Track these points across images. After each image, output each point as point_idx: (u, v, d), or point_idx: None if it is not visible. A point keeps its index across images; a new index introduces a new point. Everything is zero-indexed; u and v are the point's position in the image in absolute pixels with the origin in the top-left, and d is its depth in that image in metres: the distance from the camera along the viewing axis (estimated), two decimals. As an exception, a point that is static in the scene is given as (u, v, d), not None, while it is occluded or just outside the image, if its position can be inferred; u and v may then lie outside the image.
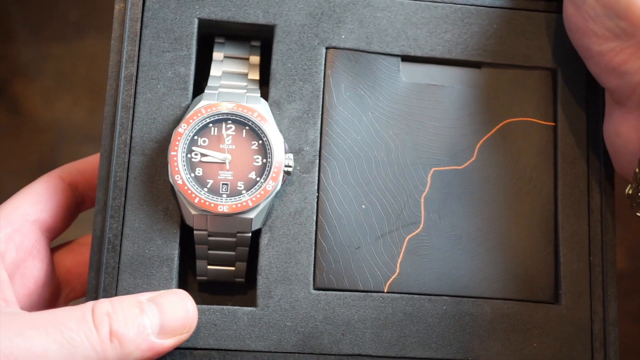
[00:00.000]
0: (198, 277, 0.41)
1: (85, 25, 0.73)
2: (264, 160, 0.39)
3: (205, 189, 0.38)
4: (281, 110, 0.41)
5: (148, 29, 0.41)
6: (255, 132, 0.39)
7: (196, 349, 0.38)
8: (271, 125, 0.39)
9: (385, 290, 0.40)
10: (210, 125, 0.39)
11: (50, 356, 0.32)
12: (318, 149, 0.41)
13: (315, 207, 0.40)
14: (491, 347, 0.40)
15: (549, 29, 0.43)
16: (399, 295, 0.40)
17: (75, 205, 0.43)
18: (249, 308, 0.39)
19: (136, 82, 0.40)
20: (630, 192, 0.40)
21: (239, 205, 0.38)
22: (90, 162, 0.43)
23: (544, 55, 0.43)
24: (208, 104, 0.39)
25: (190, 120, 0.38)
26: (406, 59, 0.42)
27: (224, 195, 0.38)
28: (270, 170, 0.38)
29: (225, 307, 0.39)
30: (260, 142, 0.39)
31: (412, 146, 0.41)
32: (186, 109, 0.40)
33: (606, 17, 0.37)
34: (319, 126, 0.41)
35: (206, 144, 0.38)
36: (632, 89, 0.38)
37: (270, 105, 0.41)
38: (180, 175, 0.38)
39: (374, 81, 0.42)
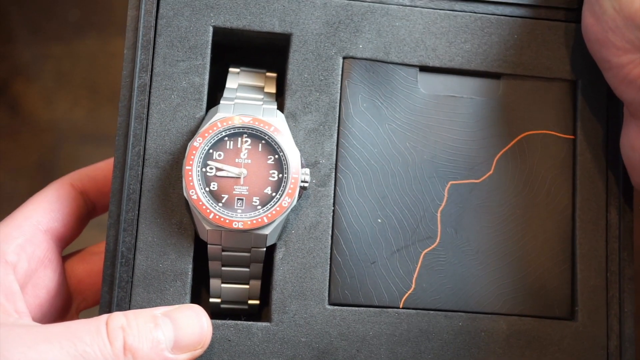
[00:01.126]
0: (211, 299, 0.40)
1: (85, 25, 0.72)
2: (280, 176, 0.38)
3: (220, 204, 0.37)
4: (297, 121, 0.40)
5: (162, 38, 0.40)
6: (272, 147, 0.38)
7: None
8: (287, 139, 0.38)
9: (401, 306, 0.39)
10: (226, 138, 0.38)
11: None
12: (334, 162, 0.40)
13: (331, 221, 0.40)
14: (508, 364, 0.39)
15: (570, 39, 0.42)
16: (414, 311, 0.39)
17: (87, 213, 0.42)
18: (264, 323, 0.38)
19: (150, 92, 0.39)
20: None
21: (255, 221, 0.37)
22: (101, 169, 0.43)
23: (564, 67, 0.42)
24: (224, 117, 0.38)
25: (206, 134, 0.37)
26: (424, 69, 0.42)
27: (239, 211, 0.37)
28: (286, 186, 0.37)
29: (239, 322, 0.38)
30: (277, 156, 0.38)
31: (430, 159, 0.41)
32: (201, 120, 0.39)
33: (626, 28, 0.37)
34: (335, 138, 0.40)
35: (222, 157, 0.38)
36: None
37: (286, 117, 0.40)
38: (195, 190, 0.37)
39: (392, 92, 0.41)
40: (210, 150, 0.37)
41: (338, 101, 0.41)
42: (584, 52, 0.41)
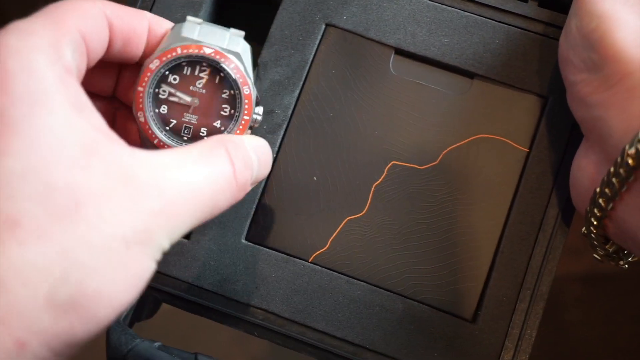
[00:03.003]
0: None
1: None
2: (232, 112, 0.37)
3: (167, 129, 0.37)
4: (266, 71, 0.43)
5: None
6: (229, 82, 0.37)
7: None
8: (249, 79, 0.37)
9: (309, 261, 0.41)
10: (184, 64, 0.37)
11: (205, 192, 0.31)
12: (289, 115, 0.43)
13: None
14: (391, 342, 0.40)
15: (551, 55, 0.42)
16: (319, 268, 0.41)
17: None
18: (182, 239, 0.42)
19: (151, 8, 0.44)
20: (585, 231, 0.39)
21: None
22: (128, 9, 0.36)
23: (538, 81, 0.42)
24: (186, 43, 0.36)
25: (164, 58, 0.36)
26: (400, 52, 0.43)
27: (185, 139, 0.37)
28: (237, 124, 0.38)
29: None
30: (232, 92, 0.37)
31: (380, 135, 0.42)
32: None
33: (583, 47, 0.37)
34: (297, 95, 0.43)
35: (176, 82, 0.37)
36: (594, 123, 0.37)
37: (257, 66, 0.43)
38: (143, 112, 0.37)
39: (363, 66, 0.43)
40: (167, 73, 0.37)
41: (309, 62, 0.43)
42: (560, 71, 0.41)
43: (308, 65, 0.43)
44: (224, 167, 0.32)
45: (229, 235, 0.42)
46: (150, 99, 0.37)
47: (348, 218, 0.42)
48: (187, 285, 0.41)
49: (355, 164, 0.42)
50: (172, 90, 0.37)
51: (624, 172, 0.33)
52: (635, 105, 0.34)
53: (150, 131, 0.37)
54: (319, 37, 0.44)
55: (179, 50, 0.36)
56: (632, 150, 0.33)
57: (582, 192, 0.39)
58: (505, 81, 0.42)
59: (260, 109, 0.38)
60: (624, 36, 0.35)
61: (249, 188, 0.35)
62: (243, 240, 0.42)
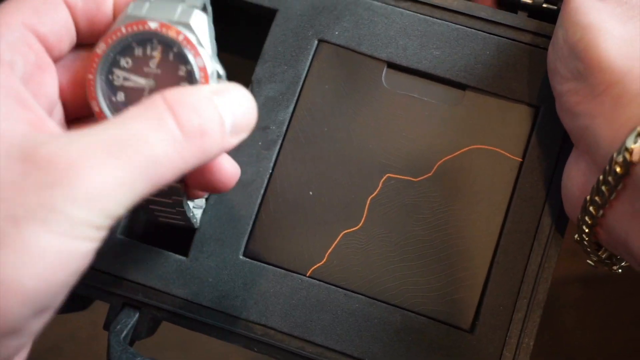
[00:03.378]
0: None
1: None
2: None
3: None
4: (260, 88, 0.44)
5: None
6: (183, 57, 0.33)
7: (124, 279, 0.42)
8: (203, 50, 0.33)
9: (307, 275, 0.42)
10: (134, 44, 0.33)
11: (138, 186, 0.27)
12: (284, 131, 0.43)
13: (266, 182, 0.43)
14: (391, 354, 0.40)
15: (541, 65, 0.43)
16: (317, 282, 0.41)
17: (75, 30, 0.35)
18: (181, 257, 0.42)
19: None
20: (577, 238, 0.40)
21: None
22: None
23: (529, 91, 0.43)
24: (129, 22, 0.33)
25: (109, 40, 0.33)
26: (392, 66, 0.44)
27: None
28: None
29: (161, 250, 0.43)
30: (188, 67, 0.33)
31: (374, 149, 0.43)
32: None
33: (569, 58, 0.37)
34: (291, 110, 0.43)
35: (129, 65, 0.34)
36: (582, 132, 0.37)
37: (251, 83, 0.44)
38: (97, 101, 0.33)
39: (356, 80, 0.44)
40: (117, 57, 0.33)
41: (303, 77, 0.44)
42: (551, 80, 0.42)
43: (302, 80, 0.44)
44: (155, 114, 0.28)
45: (226, 252, 0.42)
46: (104, 86, 0.34)
47: (345, 232, 0.42)
48: (186, 303, 0.42)
49: (351, 177, 0.43)
50: (126, 75, 0.34)
51: (612, 180, 0.34)
52: (621, 114, 0.34)
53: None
54: (312, 53, 0.44)
55: (123, 30, 0.33)
56: (619, 159, 0.33)
57: (573, 200, 0.39)
58: (497, 92, 0.43)
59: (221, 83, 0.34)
60: (609, 46, 0.35)
61: (221, 138, 0.30)
62: (241, 257, 0.42)
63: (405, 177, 0.43)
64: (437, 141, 0.43)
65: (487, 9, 0.44)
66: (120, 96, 0.34)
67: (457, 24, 0.44)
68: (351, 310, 0.41)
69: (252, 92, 0.43)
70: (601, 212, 0.36)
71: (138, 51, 0.33)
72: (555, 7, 0.44)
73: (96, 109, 0.34)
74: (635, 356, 0.67)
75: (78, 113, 0.36)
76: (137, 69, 0.33)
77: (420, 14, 0.44)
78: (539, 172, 0.42)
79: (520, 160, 0.42)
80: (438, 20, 0.44)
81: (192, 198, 0.39)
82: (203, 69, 0.33)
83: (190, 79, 0.33)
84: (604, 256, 0.40)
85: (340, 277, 0.42)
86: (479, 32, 0.43)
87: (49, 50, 0.33)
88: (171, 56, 0.33)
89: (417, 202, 0.42)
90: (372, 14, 0.44)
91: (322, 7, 0.44)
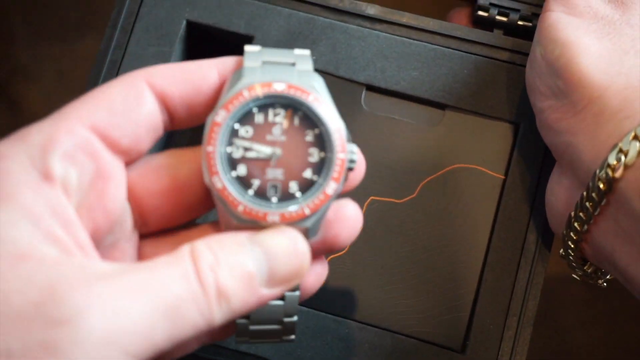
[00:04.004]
0: (238, 338, 0.32)
1: (85, 25, 0.72)
2: (321, 155, 0.31)
3: (250, 192, 0.30)
4: None
5: (140, 23, 0.45)
6: (311, 120, 0.31)
7: None
8: (330, 110, 0.31)
9: (295, 302, 0.41)
10: (255, 110, 0.31)
11: (157, 332, 0.26)
12: None
13: None
14: (383, 379, 0.40)
15: (519, 82, 0.43)
16: (306, 309, 0.41)
17: (162, 123, 0.32)
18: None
19: (119, 68, 0.44)
20: (563, 253, 0.40)
21: (294, 213, 0.30)
22: (193, 71, 0.32)
23: (508, 108, 0.43)
24: (250, 84, 0.30)
25: (230, 106, 0.30)
26: (371, 88, 0.44)
27: (274, 200, 0.30)
28: (330, 168, 0.31)
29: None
30: (317, 131, 0.31)
31: (357, 172, 0.43)
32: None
33: (548, 75, 0.37)
34: None
35: (249, 134, 0.31)
36: (564, 149, 0.37)
37: None
38: (219, 176, 0.30)
39: (335, 104, 0.43)
40: (236, 126, 0.30)
41: None
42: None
43: None
44: (181, 269, 0.27)
45: None
46: (224, 160, 0.30)
47: (331, 257, 0.42)
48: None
49: (335, 202, 0.42)
50: (248, 145, 0.30)
51: (596, 196, 0.34)
52: (603, 130, 0.34)
53: (230, 198, 0.30)
54: None
55: (245, 94, 0.30)
56: (602, 175, 0.33)
57: (558, 216, 0.39)
58: (476, 110, 0.43)
59: (354, 147, 0.31)
60: (588, 62, 0.35)
61: (249, 293, 0.28)
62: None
63: (389, 199, 0.42)
64: (419, 162, 0.43)
65: (463, 28, 0.44)
66: (242, 169, 0.30)
67: (433, 44, 0.44)
68: (341, 336, 0.41)
69: None
70: (586, 227, 0.36)
71: (259, 118, 0.31)
72: (531, 24, 0.44)
73: (219, 185, 0.30)
74: (635, 355, 0.67)
75: (161, 223, 0.32)
76: (259, 138, 0.31)
77: (397, 35, 0.44)
78: (522, 189, 0.42)
79: (503, 177, 0.42)
80: (415, 41, 0.44)
81: None
82: (337, 131, 0.31)
83: (320, 143, 0.31)
84: (589, 270, 0.40)
85: (328, 303, 0.41)
86: (456, 51, 0.44)
87: (120, 153, 0.30)
88: (297, 120, 0.31)
89: (402, 223, 0.42)
90: (349, 37, 0.44)
91: (298, 32, 0.44)
